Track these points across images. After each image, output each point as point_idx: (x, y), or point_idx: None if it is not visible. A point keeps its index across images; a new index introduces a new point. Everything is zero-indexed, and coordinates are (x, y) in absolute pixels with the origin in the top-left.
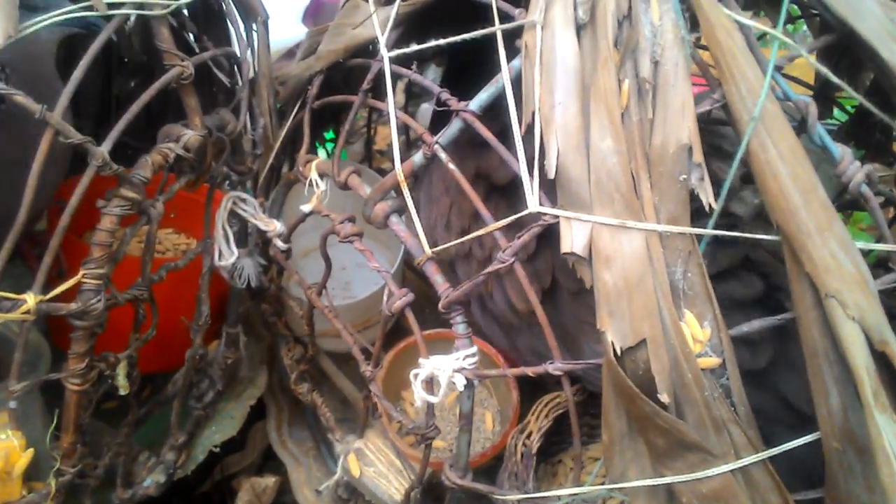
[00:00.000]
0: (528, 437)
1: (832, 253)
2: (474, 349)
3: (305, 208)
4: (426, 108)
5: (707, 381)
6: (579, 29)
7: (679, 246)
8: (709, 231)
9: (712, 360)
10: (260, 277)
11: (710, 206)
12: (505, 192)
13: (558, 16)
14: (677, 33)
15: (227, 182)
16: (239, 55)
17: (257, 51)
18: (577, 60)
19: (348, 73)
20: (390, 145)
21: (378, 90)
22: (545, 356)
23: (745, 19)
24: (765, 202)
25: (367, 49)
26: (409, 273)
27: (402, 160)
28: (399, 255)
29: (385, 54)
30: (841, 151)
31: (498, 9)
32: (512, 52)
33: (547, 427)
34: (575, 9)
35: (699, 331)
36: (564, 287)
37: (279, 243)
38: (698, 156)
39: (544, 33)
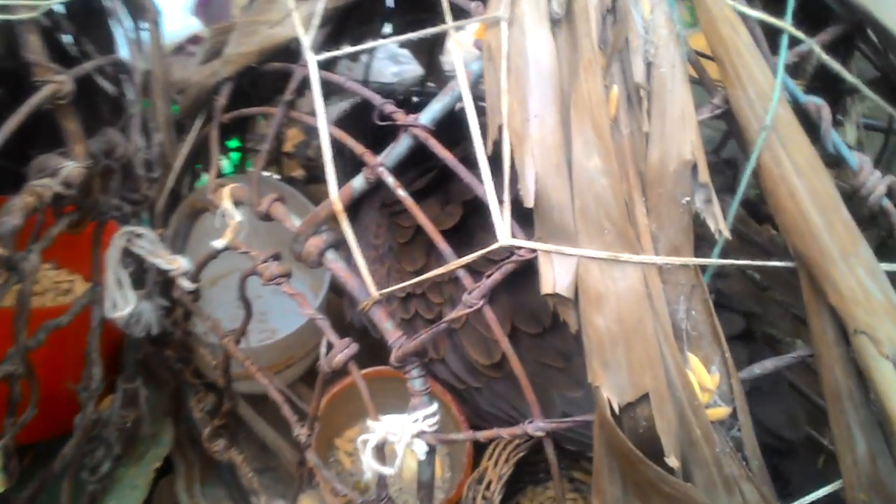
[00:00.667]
0: (488, 487)
1: (860, 281)
2: (435, 407)
3: (218, 244)
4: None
5: (717, 436)
6: (553, 26)
7: (681, 280)
8: (715, 261)
9: (722, 411)
10: (162, 322)
11: (719, 232)
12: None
13: (528, 10)
14: (672, 28)
15: (119, 214)
16: (128, 62)
17: (150, 54)
18: (553, 63)
19: (257, 77)
20: (299, 147)
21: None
22: (511, 414)
23: (753, 10)
24: (779, 224)
25: (286, 50)
26: (332, 296)
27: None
28: (325, 283)
29: (310, 59)
30: (858, 161)
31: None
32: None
33: (508, 474)
34: (549, 2)
35: (707, 378)
36: (523, 331)
37: (185, 283)
38: (704, 174)
39: (511, 31)
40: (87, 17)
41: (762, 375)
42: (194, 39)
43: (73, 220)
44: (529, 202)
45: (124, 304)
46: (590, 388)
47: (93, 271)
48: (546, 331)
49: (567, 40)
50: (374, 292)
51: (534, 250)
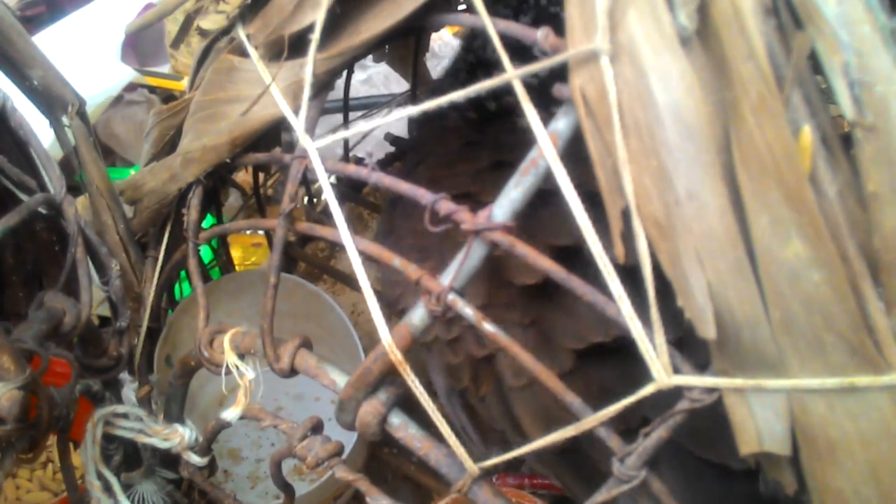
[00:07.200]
0: None
1: None
2: None
3: (229, 415)
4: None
5: None
6: (683, 48)
7: None
8: None
9: None
10: (174, 497)
11: None
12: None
13: (642, 32)
14: (874, 21)
15: (88, 394)
16: (54, 193)
17: (82, 159)
18: (701, 109)
19: None
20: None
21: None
22: None
23: None
24: None
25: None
26: None
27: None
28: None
29: (309, 147)
30: None
31: (502, 37)
32: (543, 109)
33: None
34: (672, 12)
35: None
36: None
37: (194, 458)
38: None
39: (619, 68)
40: None
41: None
42: (131, 87)
43: (25, 448)
44: (709, 331)
45: None
46: None
47: (68, 487)
48: None
49: (707, 67)
50: (472, 466)
51: (715, 388)
